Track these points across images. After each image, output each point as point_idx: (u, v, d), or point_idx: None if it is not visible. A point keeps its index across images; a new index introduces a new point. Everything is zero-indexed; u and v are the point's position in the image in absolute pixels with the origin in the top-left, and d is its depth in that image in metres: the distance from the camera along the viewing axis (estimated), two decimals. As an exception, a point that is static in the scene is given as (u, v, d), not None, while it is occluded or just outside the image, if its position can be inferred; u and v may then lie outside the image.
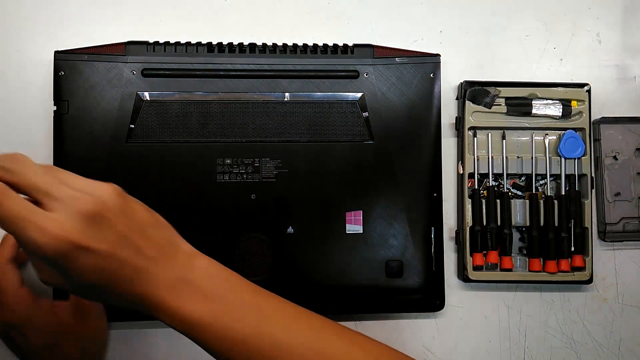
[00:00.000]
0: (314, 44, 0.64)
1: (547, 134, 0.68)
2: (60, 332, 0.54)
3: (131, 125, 0.62)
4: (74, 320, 0.55)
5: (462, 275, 0.67)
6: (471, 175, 0.67)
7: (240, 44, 0.64)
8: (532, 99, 0.67)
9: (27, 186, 0.37)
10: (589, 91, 0.68)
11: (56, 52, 0.61)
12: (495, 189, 0.67)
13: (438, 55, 0.66)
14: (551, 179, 0.68)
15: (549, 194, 0.67)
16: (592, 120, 0.68)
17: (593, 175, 0.68)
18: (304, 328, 0.42)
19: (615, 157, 0.69)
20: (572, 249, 0.67)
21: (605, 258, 0.70)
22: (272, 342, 0.40)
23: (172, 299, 0.40)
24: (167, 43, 0.63)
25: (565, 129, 0.68)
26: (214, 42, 0.63)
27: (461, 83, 0.68)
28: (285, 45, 0.64)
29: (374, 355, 0.41)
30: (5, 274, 0.53)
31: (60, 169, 0.40)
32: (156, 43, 0.63)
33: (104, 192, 0.39)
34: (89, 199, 0.38)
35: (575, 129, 0.68)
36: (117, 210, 0.39)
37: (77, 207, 0.37)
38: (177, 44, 0.63)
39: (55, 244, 0.36)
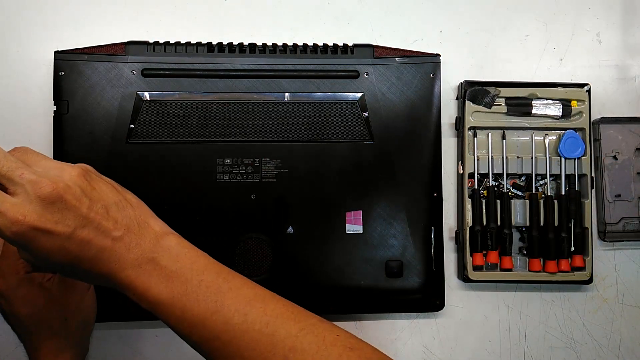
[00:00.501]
0: (314, 44, 0.64)
1: (547, 134, 0.68)
2: (44, 304, 0.55)
3: (131, 125, 0.62)
4: (58, 292, 0.56)
5: (462, 275, 0.67)
6: (471, 175, 0.67)
7: (240, 44, 0.64)
8: (532, 99, 0.67)
9: None
10: (589, 91, 0.68)
11: (56, 52, 0.61)
12: (495, 189, 0.67)
13: (438, 55, 0.66)
14: (551, 179, 0.68)
15: (549, 194, 0.67)
16: (592, 120, 0.68)
17: (593, 175, 0.68)
18: (259, 312, 0.42)
19: (615, 157, 0.69)
20: (572, 249, 0.67)
21: (605, 258, 0.70)
22: (226, 323, 0.41)
23: (137, 278, 0.41)
24: (167, 43, 0.63)
25: (565, 129, 0.68)
26: (214, 42, 0.63)
27: (461, 83, 0.68)
28: (285, 45, 0.64)
29: (323, 339, 0.41)
30: (8, 244, 0.55)
31: (32, 151, 0.42)
32: (156, 43, 0.63)
33: (67, 174, 0.41)
34: (48, 182, 0.39)
35: (575, 129, 0.68)
36: (78, 193, 0.40)
37: (36, 191, 0.39)
38: (177, 44, 0.63)
39: (14, 227, 0.38)
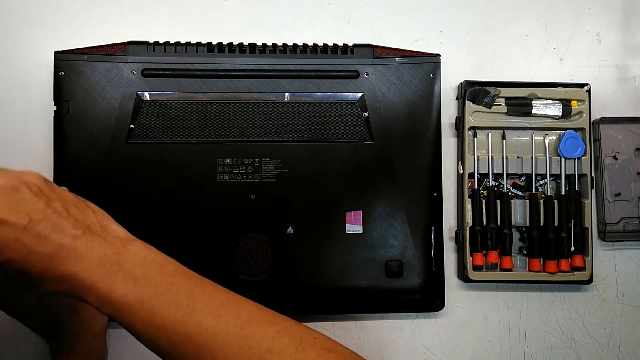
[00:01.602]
0: (314, 44, 0.64)
1: (547, 134, 0.68)
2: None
3: (131, 125, 0.62)
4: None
5: (462, 275, 0.67)
6: (471, 175, 0.67)
7: (240, 44, 0.64)
8: (532, 99, 0.67)
9: None
10: (589, 91, 0.68)
11: (56, 52, 0.61)
12: (495, 189, 0.67)
13: (438, 55, 0.66)
14: (551, 179, 0.68)
15: (549, 194, 0.67)
16: (592, 120, 0.68)
17: (593, 175, 0.68)
18: (233, 315, 0.41)
19: (615, 157, 0.69)
20: (572, 249, 0.67)
21: (605, 258, 0.70)
22: (199, 327, 0.40)
23: (100, 280, 0.39)
24: (167, 43, 0.63)
25: (565, 129, 0.68)
26: (214, 42, 0.63)
27: (461, 83, 0.68)
28: (285, 45, 0.64)
29: (301, 340, 0.40)
30: None
31: None
32: (156, 43, 0.63)
33: (26, 174, 0.40)
34: (4, 175, 0.39)
35: (575, 129, 0.68)
36: (36, 189, 0.39)
37: None
38: (177, 44, 0.63)
39: None
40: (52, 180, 0.60)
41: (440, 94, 0.65)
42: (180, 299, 0.40)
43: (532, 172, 0.67)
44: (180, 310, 0.40)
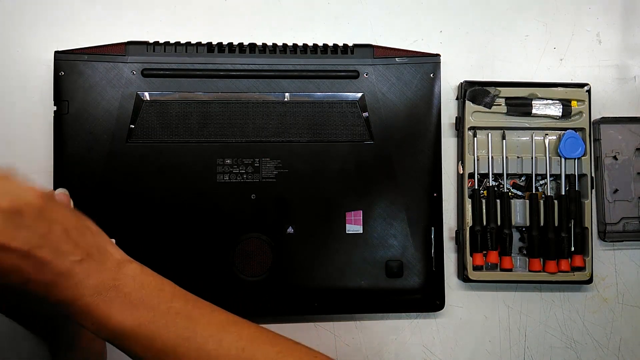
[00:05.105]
0: (314, 44, 0.64)
1: (547, 134, 0.68)
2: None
3: (131, 125, 0.62)
4: None
5: (462, 275, 0.67)
6: (471, 175, 0.67)
7: (240, 44, 0.64)
8: (532, 99, 0.67)
9: None
10: (589, 91, 0.68)
11: (56, 52, 0.61)
12: (495, 189, 0.67)
13: (438, 55, 0.66)
14: (551, 179, 0.68)
15: (549, 194, 0.67)
16: (592, 120, 0.68)
17: (593, 175, 0.68)
18: (234, 336, 0.41)
19: (615, 157, 0.69)
20: (572, 249, 0.67)
21: (605, 258, 0.70)
22: (200, 350, 0.40)
23: (98, 306, 0.39)
24: (167, 43, 0.63)
25: (565, 129, 0.68)
26: (214, 42, 0.63)
27: (461, 83, 0.68)
28: (285, 45, 0.64)
29: None
30: None
31: None
32: (156, 43, 0.63)
33: (27, 193, 0.38)
34: (6, 197, 0.37)
35: (575, 129, 0.68)
36: (37, 212, 0.38)
37: None
38: (177, 44, 0.63)
39: None
40: (52, 180, 0.60)
41: (440, 94, 0.65)
42: (179, 322, 0.40)
43: (532, 172, 0.67)
44: (180, 334, 0.40)
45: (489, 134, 0.67)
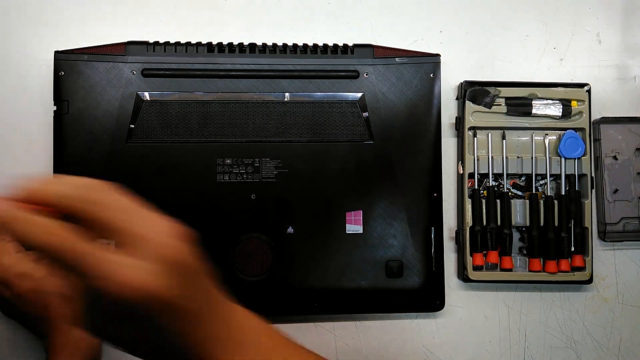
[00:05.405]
0: (314, 44, 0.64)
1: (547, 134, 0.68)
2: (45, 275, 0.54)
3: (131, 125, 0.62)
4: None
5: (462, 275, 0.67)
6: (471, 175, 0.67)
7: (240, 44, 0.64)
8: (532, 99, 0.67)
9: (104, 223, 0.32)
10: (589, 91, 0.68)
11: (56, 52, 0.61)
12: (495, 189, 0.67)
13: (438, 55, 0.66)
14: (551, 179, 0.68)
15: (549, 194, 0.67)
16: (592, 120, 0.68)
17: (593, 175, 0.68)
18: None
19: (615, 157, 0.69)
20: (572, 249, 0.67)
21: (605, 258, 0.70)
22: None
23: (220, 353, 0.35)
24: (167, 43, 0.63)
25: (565, 129, 0.68)
26: (214, 42, 0.63)
27: (461, 83, 0.68)
28: (285, 45, 0.64)
29: None
30: None
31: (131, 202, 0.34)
32: (156, 43, 0.63)
33: (176, 234, 0.34)
34: (169, 243, 0.33)
35: (575, 129, 0.68)
36: (189, 257, 0.35)
37: (158, 251, 0.32)
38: (177, 44, 0.63)
39: (138, 294, 0.30)
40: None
41: (440, 94, 0.65)
42: None
43: (532, 172, 0.67)
44: None
45: (489, 134, 0.67)
